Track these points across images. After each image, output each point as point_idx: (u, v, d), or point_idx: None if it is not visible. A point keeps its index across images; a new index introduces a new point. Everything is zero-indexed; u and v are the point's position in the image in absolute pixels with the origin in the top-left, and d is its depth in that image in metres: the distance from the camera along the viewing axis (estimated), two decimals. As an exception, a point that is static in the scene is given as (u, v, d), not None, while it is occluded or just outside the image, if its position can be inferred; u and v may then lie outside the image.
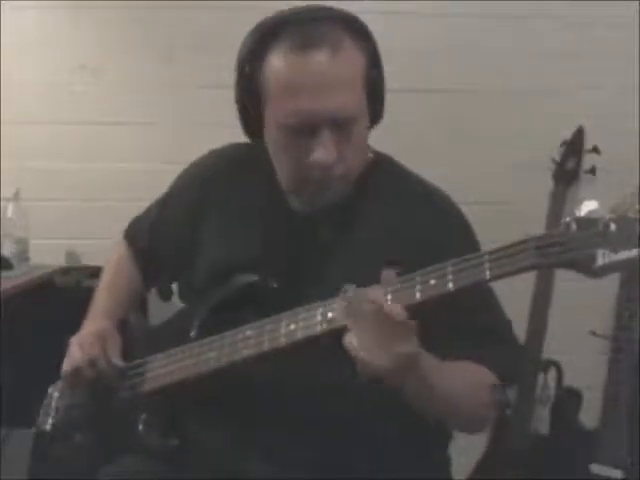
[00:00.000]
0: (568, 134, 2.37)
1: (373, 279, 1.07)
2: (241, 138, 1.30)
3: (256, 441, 1.20)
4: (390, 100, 1.25)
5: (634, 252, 0.93)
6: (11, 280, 2.27)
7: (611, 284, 2.23)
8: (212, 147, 1.41)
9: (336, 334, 1.08)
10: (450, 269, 1.02)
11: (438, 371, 1.08)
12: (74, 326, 1.35)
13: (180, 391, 1.23)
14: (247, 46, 1.20)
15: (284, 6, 1.21)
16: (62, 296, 2.40)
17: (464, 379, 1.14)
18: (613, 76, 2.44)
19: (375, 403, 1.19)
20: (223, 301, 1.24)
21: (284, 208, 1.27)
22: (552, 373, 2.29)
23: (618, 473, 2.16)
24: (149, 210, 1.48)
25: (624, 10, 2.41)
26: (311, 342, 1.10)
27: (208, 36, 2.46)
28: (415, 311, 1.02)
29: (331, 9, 1.20)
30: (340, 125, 1.15)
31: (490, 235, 1.27)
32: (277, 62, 1.15)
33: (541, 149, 2.40)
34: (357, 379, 1.17)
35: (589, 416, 2.27)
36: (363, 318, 1.01)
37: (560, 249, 0.97)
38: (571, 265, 0.98)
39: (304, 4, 1.20)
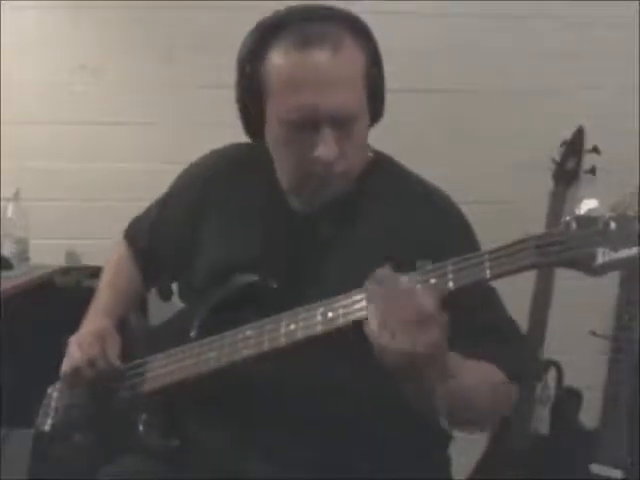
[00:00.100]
0: (568, 134, 2.37)
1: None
2: (241, 138, 1.30)
3: (256, 441, 1.20)
4: (390, 100, 1.25)
5: (634, 250, 0.93)
6: (11, 280, 2.27)
7: (611, 284, 2.23)
8: (212, 147, 1.41)
9: (337, 334, 1.09)
10: (450, 268, 1.02)
11: (458, 365, 1.07)
12: (74, 326, 1.35)
13: (180, 391, 1.23)
14: (248, 44, 1.20)
15: (284, 6, 1.21)
16: (62, 296, 2.40)
17: (481, 376, 1.13)
18: (613, 76, 2.44)
19: (375, 403, 1.19)
20: (223, 301, 1.24)
21: (284, 208, 1.27)
22: (552, 373, 2.29)
23: (618, 473, 2.16)
24: (149, 210, 1.48)
25: (624, 10, 2.41)
26: (311, 342, 1.10)
27: (208, 36, 2.46)
28: None
29: (332, 8, 1.20)
30: (341, 122, 1.15)
31: (490, 235, 1.27)
32: (279, 59, 1.15)
33: (541, 149, 2.40)
34: (357, 379, 1.17)
35: (589, 416, 2.27)
36: (393, 303, 1.00)
37: (560, 248, 0.97)
38: (571, 264, 0.98)
39: (304, 4, 1.20)
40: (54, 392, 1.39)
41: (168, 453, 1.25)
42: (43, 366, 1.31)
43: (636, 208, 0.95)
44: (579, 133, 2.36)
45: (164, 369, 1.24)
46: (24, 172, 2.52)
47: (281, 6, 1.21)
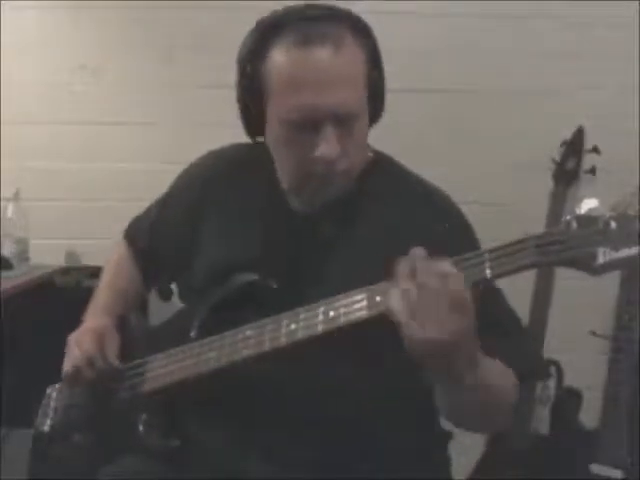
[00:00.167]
0: (568, 134, 2.37)
1: (373, 278, 1.07)
2: (241, 138, 1.30)
3: (256, 441, 1.20)
4: (390, 100, 1.25)
5: (634, 250, 0.93)
6: (11, 280, 2.27)
7: (611, 284, 2.23)
8: (212, 147, 1.41)
9: (338, 334, 1.09)
10: None
11: (483, 358, 1.06)
12: (74, 326, 1.35)
13: (180, 391, 1.23)
14: (248, 44, 1.20)
15: (284, 6, 1.21)
16: (62, 296, 2.40)
17: (502, 373, 1.13)
18: (613, 76, 2.44)
19: (375, 403, 1.20)
20: (223, 301, 1.24)
21: (284, 208, 1.27)
22: (552, 371, 2.28)
23: (618, 473, 2.16)
24: (149, 210, 1.48)
25: (624, 10, 2.41)
26: (312, 342, 1.10)
27: (208, 36, 2.46)
28: None
29: (332, 7, 1.20)
30: (342, 121, 1.15)
31: (490, 235, 1.27)
32: (279, 58, 1.15)
33: (541, 149, 2.40)
34: (357, 379, 1.17)
35: (589, 416, 2.27)
36: (425, 288, 0.98)
37: (560, 247, 0.97)
38: (571, 263, 0.98)
39: (304, 3, 1.20)
40: (53, 392, 1.39)
41: (168, 453, 1.25)
42: (43, 366, 1.31)
43: (636, 208, 0.95)
44: (579, 133, 2.36)
45: (164, 369, 1.24)
46: (24, 172, 2.52)
47: (281, 6, 1.21)
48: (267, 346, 1.12)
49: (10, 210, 2.42)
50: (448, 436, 1.31)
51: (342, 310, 1.08)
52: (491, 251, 1.01)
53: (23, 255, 2.41)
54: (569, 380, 2.30)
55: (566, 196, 2.34)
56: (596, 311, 2.39)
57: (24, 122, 2.51)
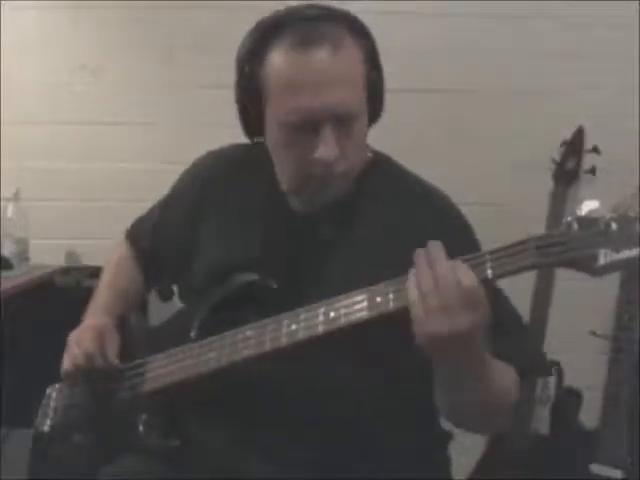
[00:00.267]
0: (568, 134, 2.37)
1: (372, 278, 1.08)
2: (241, 138, 1.30)
3: (256, 441, 1.20)
4: (390, 100, 1.25)
5: (635, 251, 0.93)
6: (11, 280, 2.27)
7: (611, 284, 2.23)
8: (212, 147, 1.41)
9: (338, 334, 1.09)
10: None
11: (490, 358, 1.07)
12: (74, 326, 1.34)
13: (180, 391, 1.23)
14: (247, 45, 1.20)
15: (284, 6, 1.21)
16: (62, 296, 2.40)
17: (504, 372, 1.14)
18: (613, 76, 2.44)
19: (375, 404, 1.20)
20: (223, 301, 1.24)
21: (283, 208, 1.27)
22: (552, 370, 2.29)
23: (618, 473, 2.16)
24: (152, 211, 1.48)
25: (624, 10, 2.41)
26: (312, 342, 1.10)
27: (208, 36, 2.46)
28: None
29: (331, 8, 1.20)
30: (341, 122, 1.15)
31: (490, 235, 1.27)
32: (277, 60, 1.15)
33: (541, 149, 2.40)
34: (357, 380, 1.17)
35: (589, 416, 2.27)
36: (443, 279, 0.99)
37: (561, 248, 0.98)
38: (572, 264, 0.98)
39: (303, 3, 1.20)
40: (53, 392, 1.39)
41: (168, 453, 1.25)
42: (43, 366, 1.31)
43: (637, 209, 0.95)
44: (579, 133, 2.36)
45: (164, 369, 1.24)
46: (24, 172, 2.52)
47: (281, 6, 1.21)
48: (268, 346, 1.12)
49: (10, 210, 2.42)
50: (448, 436, 1.31)
51: (342, 311, 1.08)
52: (492, 252, 1.02)
53: (23, 255, 2.41)
54: (569, 380, 2.30)
55: (566, 196, 2.34)
56: (596, 311, 2.39)
57: (24, 122, 2.51)
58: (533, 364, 1.27)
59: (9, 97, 2.47)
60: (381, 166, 1.30)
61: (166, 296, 1.46)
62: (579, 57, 2.45)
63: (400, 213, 1.24)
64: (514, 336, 1.19)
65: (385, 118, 1.26)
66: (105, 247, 1.57)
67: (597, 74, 2.45)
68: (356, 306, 1.07)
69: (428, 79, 2.51)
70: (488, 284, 1.02)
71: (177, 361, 1.22)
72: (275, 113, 1.17)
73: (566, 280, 2.12)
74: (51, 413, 1.36)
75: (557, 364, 2.28)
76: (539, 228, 2.38)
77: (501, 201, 2.49)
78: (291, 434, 1.18)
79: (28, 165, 2.53)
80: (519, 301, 1.29)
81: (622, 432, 2.19)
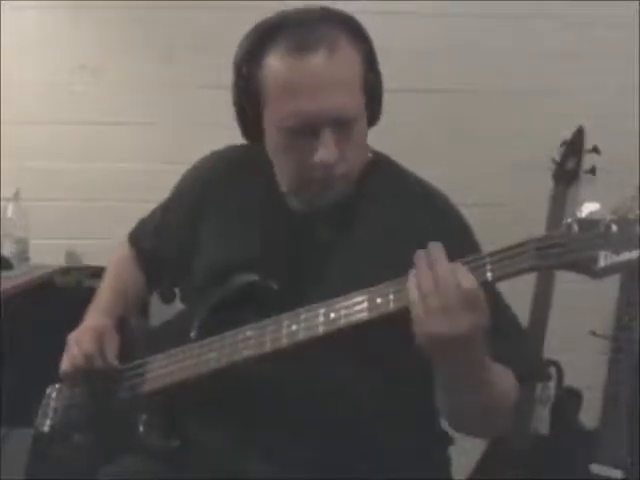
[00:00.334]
0: (568, 134, 2.37)
1: (372, 279, 1.08)
2: (241, 139, 1.30)
3: (256, 441, 1.20)
4: (390, 100, 1.25)
5: (635, 253, 0.93)
6: (11, 280, 2.27)
7: (611, 285, 2.23)
8: (212, 147, 1.41)
9: (338, 334, 1.09)
10: None
11: (490, 361, 1.07)
12: (74, 326, 1.34)
13: (180, 391, 1.23)
14: (244, 47, 1.20)
15: (284, 6, 1.21)
16: (62, 296, 2.40)
17: (503, 375, 1.14)
18: (613, 76, 2.44)
19: (375, 404, 1.20)
20: (223, 301, 1.24)
21: (283, 208, 1.27)
22: (552, 372, 2.29)
23: (618, 473, 2.16)
24: (154, 213, 1.48)
25: (624, 10, 2.41)
26: (312, 343, 1.10)
27: (208, 36, 2.46)
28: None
29: (327, 10, 1.19)
30: (340, 125, 1.15)
31: (489, 235, 1.27)
32: (274, 64, 1.15)
33: (541, 149, 2.40)
34: (357, 380, 1.17)
35: (589, 416, 2.27)
36: (443, 280, 0.99)
37: (561, 250, 0.97)
38: (572, 266, 0.98)
39: (303, 4, 1.20)
40: (53, 392, 1.39)
41: (168, 453, 1.25)
42: (43, 366, 1.31)
43: (637, 211, 0.95)
44: (579, 133, 2.36)
45: (164, 369, 1.24)
46: (24, 172, 2.52)
47: (281, 6, 1.21)
48: (268, 347, 1.12)
49: (10, 210, 2.42)
50: (448, 437, 1.31)
51: (343, 312, 1.08)
52: (492, 254, 1.02)
53: (23, 255, 2.41)
54: (569, 380, 2.30)
55: (566, 196, 2.34)
56: (596, 311, 2.39)
57: (24, 122, 2.51)
58: (532, 369, 1.27)
59: (9, 97, 2.47)
60: (381, 167, 1.30)
61: (168, 298, 1.46)
62: (579, 57, 2.45)
63: (400, 214, 1.24)
64: (513, 340, 1.19)
65: (385, 118, 1.26)
66: (105, 247, 1.57)
67: (597, 74, 2.45)
68: (356, 307, 1.07)
69: (428, 79, 2.51)
70: (487, 288, 1.02)
71: (177, 361, 1.22)
72: (273, 117, 1.17)
73: (566, 281, 2.12)
74: (51, 413, 1.36)
75: (557, 364, 2.28)
76: (539, 228, 2.39)
77: (501, 201, 2.49)
78: (291, 434, 1.18)
79: (28, 165, 2.53)
80: (519, 304, 1.29)
81: (622, 432, 2.19)
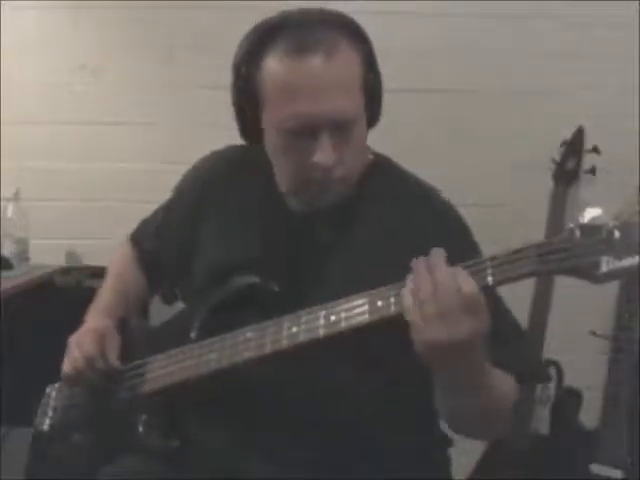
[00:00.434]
0: (568, 134, 2.37)
1: (373, 280, 1.08)
2: (241, 139, 1.30)
3: (256, 442, 1.20)
4: (390, 100, 1.25)
5: (637, 259, 0.93)
6: (11, 280, 2.27)
7: (611, 285, 2.21)
8: (212, 147, 1.41)
9: (339, 336, 1.08)
10: None
11: (490, 366, 1.07)
12: (74, 326, 1.35)
13: (180, 392, 1.23)
14: (244, 48, 1.20)
15: (284, 6, 1.21)
16: (62, 296, 2.40)
17: (503, 378, 1.13)
18: (613, 76, 2.44)
19: (375, 406, 1.20)
20: (223, 302, 1.24)
21: (282, 209, 1.27)
22: (552, 373, 2.29)
23: (618, 473, 2.16)
24: (155, 214, 1.48)
25: (624, 10, 2.41)
26: (312, 344, 1.10)
27: (208, 36, 2.46)
28: None
29: (327, 12, 1.19)
30: (339, 127, 1.14)
31: (489, 236, 1.27)
32: (273, 65, 1.15)
33: (541, 149, 2.40)
34: (357, 381, 1.17)
35: (589, 416, 2.27)
36: (442, 287, 0.98)
37: (563, 255, 0.97)
38: (573, 272, 0.98)
39: (303, 4, 1.20)
40: (53, 391, 1.39)
41: (168, 453, 1.25)
42: (43, 366, 1.31)
43: (637, 212, 0.94)
44: (579, 133, 2.36)
45: (164, 370, 1.24)
46: (24, 172, 2.52)
47: (281, 6, 1.21)
48: (268, 348, 1.12)
49: (10, 210, 2.42)
50: (448, 438, 1.31)
51: (343, 314, 1.08)
52: (493, 259, 1.01)
53: (23, 255, 2.41)
54: (569, 380, 2.30)
55: (566, 196, 2.34)
56: (596, 311, 2.39)
57: (24, 122, 2.51)
58: (532, 372, 1.27)
59: (9, 97, 2.47)
60: (381, 168, 1.30)
61: (170, 299, 1.46)
62: (579, 57, 2.45)
63: (400, 215, 1.24)
64: (513, 344, 1.19)
65: (385, 118, 1.26)
66: (105, 247, 1.57)
67: (597, 74, 2.45)
68: (357, 310, 1.07)
69: (428, 79, 2.51)
70: (488, 291, 1.01)
71: (177, 362, 1.22)
72: (272, 119, 1.17)
73: (566, 281, 2.12)
74: (51, 412, 1.36)
75: (557, 364, 2.28)
76: (539, 228, 2.40)
77: (501, 201, 2.49)
78: (291, 435, 1.18)
79: (28, 165, 2.53)
80: (518, 306, 1.29)
81: (622, 432, 2.19)
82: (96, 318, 1.38)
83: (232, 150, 1.38)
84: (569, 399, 2.29)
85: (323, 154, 1.14)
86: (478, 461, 2.27)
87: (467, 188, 2.23)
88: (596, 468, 2.18)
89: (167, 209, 1.45)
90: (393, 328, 1.04)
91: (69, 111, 2.53)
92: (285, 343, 1.11)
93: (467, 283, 0.98)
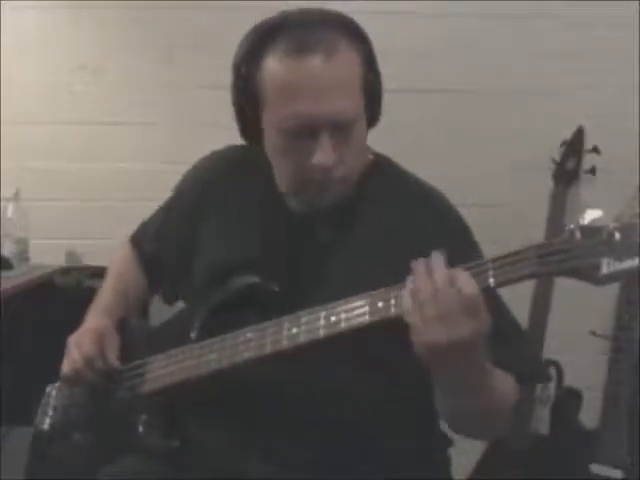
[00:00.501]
0: (568, 134, 2.38)
1: (373, 280, 1.08)
2: (241, 139, 1.30)
3: (256, 442, 1.20)
4: (390, 100, 1.25)
5: (637, 261, 0.93)
6: (11, 280, 2.27)
7: (611, 285, 2.22)
8: (212, 147, 1.41)
9: (339, 337, 1.08)
10: None
11: (491, 366, 1.07)
12: (74, 326, 1.35)
13: (180, 392, 1.23)
14: (244, 48, 1.20)
15: (284, 6, 1.21)
16: (62, 296, 2.40)
17: (503, 379, 1.13)
18: (613, 76, 2.44)
19: (375, 406, 1.20)
20: (223, 302, 1.24)
21: (282, 209, 1.27)
22: (552, 373, 2.29)
23: (618, 473, 2.16)
24: (156, 214, 1.48)
25: (624, 10, 2.41)
26: (312, 345, 1.10)
27: (208, 36, 2.46)
28: None
29: (327, 12, 1.19)
30: (339, 128, 1.14)
31: (489, 236, 1.27)
32: (273, 66, 1.15)
33: (541, 149, 2.40)
34: (357, 382, 1.17)
35: (589, 416, 2.27)
36: (442, 289, 0.98)
37: (564, 257, 0.97)
38: (574, 273, 0.98)
39: (303, 4, 1.20)
40: (53, 391, 1.39)
41: (168, 453, 1.25)
42: (43, 366, 1.31)
43: (637, 213, 0.94)
44: (579, 133, 2.36)
45: (164, 370, 1.24)
46: (24, 172, 2.52)
47: (281, 6, 1.21)
48: (268, 349, 1.12)
49: (10, 210, 2.41)
50: (448, 438, 1.31)
51: (343, 315, 1.08)
52: (494, 260, 1.01)
53: (23, 255, 2.41)
54: (569, 380, 2.30)
55: (566, 196, 2.34)
56: (596, 311, 2.39)
57: (24, 122, 2.51)
58: (532, 372, 1.27)
59: (9, 97, 2.47)
60: (381, 168, 1.30)
61: (170, 299, 1.46)
62: (579, 57, 2.45)
63: (400, 215, 1.24)
64: (513, 344, 1.19)
65: (385, 118, 1.26)
66: (105, 247, 1.57)
67: (597, 74, 2.45)
68: (357, 310, 1.07)
69: (428, 79, 2.51)
70: (488, 291, 1.01)
71: (177, 362, 1.22)
72: (272, 119, 1.17)
73: (566, 281, 2.12)
74: (51, 412, 1.36)
75: (557, 364, 2.28)
76: (539, 228, 2.39)
77: (501, 201, 2.49)
78: (291, 435, 1.18)
79: (28, 165, 2.53)
80: (518, 306, 1.28)
81: (622, 432, 2.19)
82: (96, 318, 1.38)
83: (232, 150, 1.38)
84: (569, 399, 2.29)
85: (323, 154, 1.14)
86: (478, 461, 2.28)
87: (467, 188, 2.23)
88: (596, 468, 2.18)
89: (167, 209, 1.45)
90: (393, 329, 1.04)
91: (69, 111, 2.53)
92: (285, 344, 1.11)
93: (468, 284, 0.98)
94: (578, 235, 0.97)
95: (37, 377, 1.36)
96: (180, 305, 1.43)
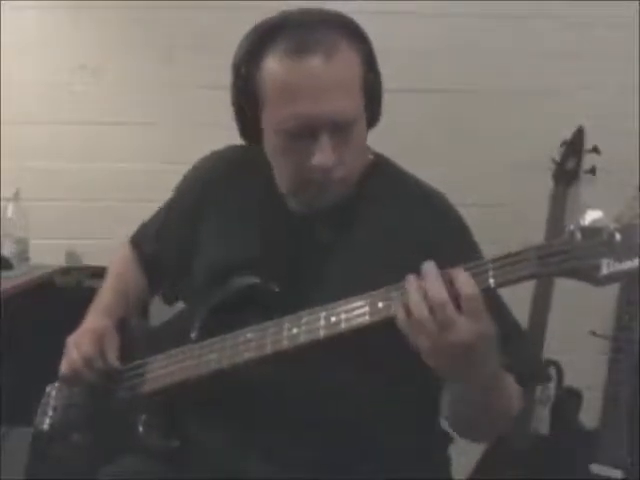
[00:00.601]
0: (568, 134, 2.38)
1: (373, 280, 1.07)
2: (241, 139, 1.30)
3: (256, 442, 1.20)
4: (390, 100, 1.25)
5: (637, 262, 0.93)
6: (11, 280, 2.27)
7: (611, 285, 2.22)
8: (212, 147, 1.41)
9: (339, 337, 1.09)
10: None
11: (499, 368, 1.06)
12: (74, 326, 1.35)
13: (180, 392, 1.23)
14: (243, 48, 1.19)
15: (284, 6, 1.21)
16: (62, 296, 2.40)
17: (509, 380, 1.13)
18: (613, 76, 2.44)
19: (375, 406, 1.20)
20: (223, 302, 1.24)
21: (282, 209, 1.27)
22: (552, 373, 2.29)
23: (618, 473, 2.17)
24: (157, 215, 1.48)
25: (624, 10, 2.41)
26: (312, 345, 1.10)
27: (208, 36, 2.46)
28: None
29: (327, 12, 1.19)
30: (339, 128, 1.14)
31: (490, 236, 1.27)
32: (273, 66, 1.14)
33: (541, 149, 2.40)
34: (357, 382, 1.17)
35: (589, 416, 2.28)
36: (435, 291, 0.97)
37: (564, 257, 0.97)
38: (574, 274, 0.98)
39: (303, 4, 1.20)
40: (53, 391, 1.39)
41: (168, 453, 1.25)
42: (43, 366, 1.31)
43: (637, 220, 0.94)
44: (579, 133, 2.37)
45: (164, 370, 1.23)
46: (24, 172, 2.52)
47: (281, 6, 1.21)
48: (269, 349, 1.12)
49: (10, 210, 2.42)
50: (448, 437, 1.31)
51: (344, 315, 1.08)
52: (494, 260, 1.01)
53: (23, 255, 2.41)
54: (569, 380, 2.30)
55: (566, 196, 2.34)
56: (596, 311, 2.39)
57: (24, 122, 2.51)
58: (532, 372, 1.27)
59: (9, 97, 2.47)
60: (381, 168, 1.30)
61: (170, 300, 1.47)
62: (579, 57, 2.45)
63: (399, 215, 1.24)
64: (513, 344, 1.18)
65: (385, 118, 1.26)
66: (105, 247, 1.57)
67: (597, 74, 2.45)
68: (357, 311, 1.07)
69: (428, 79, 2.51)
70: (488, 292, 1.01)
71: (177, 362, 1.22)
72: (271, 120, 1.17)
73: (566, 281, 2.12)
74: (50, 412, 1.36)
75: (557, 364, 2.28)
76: (539, 228, 2.39)
77: (501, 201, 2.49)
78: (291, 435, 1.18)
79: (28, 165, 2.53)
80: (518, 306, 1.28)
81: (622, 432, 2.19)
82: (95, 318, 1.38)
83: (232, 150, 1.38)
84: (569, 399, 2.29)
85: (323, 155, 1.14)
86: (478, 461, 2.28)
87: (467, 188, 2.23)
88: (596, 468, 2.18)
89: (167, 209, 1.45)
90: (393, 329, 1.04)
91: (69, 111, 2.53)
92: (285, 344, 1.11)
93: (467, 284, 0.98)
94: (578, 236, 0.97)
95: (37, 377, 1.36)
96: (180, 305, 1.43)
